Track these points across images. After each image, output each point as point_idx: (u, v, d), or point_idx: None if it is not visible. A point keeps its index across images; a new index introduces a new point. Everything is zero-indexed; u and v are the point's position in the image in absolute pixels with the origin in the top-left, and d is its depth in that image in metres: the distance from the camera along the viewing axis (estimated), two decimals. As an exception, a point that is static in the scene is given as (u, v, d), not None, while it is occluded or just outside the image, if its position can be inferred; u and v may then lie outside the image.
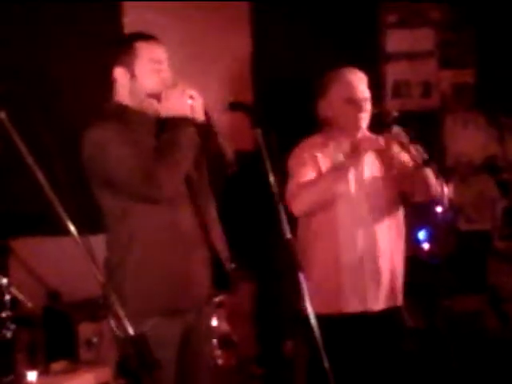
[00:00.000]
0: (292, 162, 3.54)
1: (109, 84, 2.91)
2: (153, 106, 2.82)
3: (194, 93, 2.81)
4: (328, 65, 3.59)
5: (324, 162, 3.49)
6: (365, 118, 3.47)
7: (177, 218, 2.78)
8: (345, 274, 3.46)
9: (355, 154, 3.39)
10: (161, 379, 2.62)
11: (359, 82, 3.50)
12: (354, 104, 3.45)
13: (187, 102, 2.78)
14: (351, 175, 3.46)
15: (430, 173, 3.41)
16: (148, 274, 2.75)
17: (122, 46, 2.89)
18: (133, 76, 2.85)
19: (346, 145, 3.50)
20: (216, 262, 2.91)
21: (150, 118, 2.83)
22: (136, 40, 2.87)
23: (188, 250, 2.80)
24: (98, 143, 2.73)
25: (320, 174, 3.46)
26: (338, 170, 3.41)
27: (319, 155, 3.50)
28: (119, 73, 2.86)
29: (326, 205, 3.43)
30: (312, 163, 3.49)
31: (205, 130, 2.84)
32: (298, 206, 3.39)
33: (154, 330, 2.60)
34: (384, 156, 3.57)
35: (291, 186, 3.43)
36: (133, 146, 2.71)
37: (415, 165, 3.40)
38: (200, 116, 2.82)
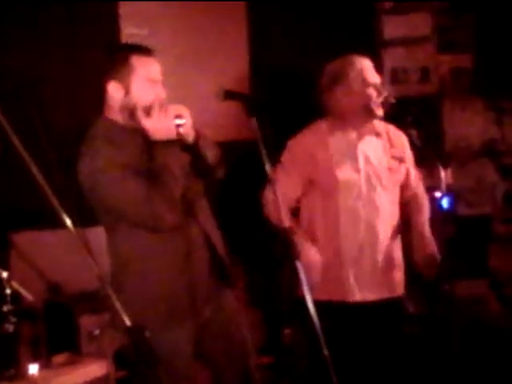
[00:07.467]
0: (284, 157, 3.52)
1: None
2: (141, 122, 2.75)
3: (183, 111, 2.78)
4: (325, 52, 3.58)
5: (335, 146, 3.48)
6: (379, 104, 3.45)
7: (177, 231, 2.78)
8: (346, 264, 3.46)
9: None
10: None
11: (371, 67, 3.49)
12: (372, 87, 3.43)
13: (173, 123, 2.74)
14: (355, 165, 3.44)
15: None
16: (148, 288, 2.78)
17: (118, 59, 2.79)
18: (127, 93, 2.77)
19: (352, 133, 3.49)
20: (216, 261, 2.93)
21: (142, 136, 2.76)
22: (133, 53, 2.78)
23: (190, 260, 2.81)
24: (92, 179, 2.68)
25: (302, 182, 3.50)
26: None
27: (330, 140, 3.48)
28: (113, 87, 2.77)
29: None
30: (300, 169, 3.46)
31: (192, 148, 2.83)
32: (267, 214, 3.46)
33: (163, 337, 2.65)
34: (388, 147, 3.57)
35: (267, 191, 3.39)
36: (127, 174, 2.65)
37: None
38: (189, 135, 2.80)
